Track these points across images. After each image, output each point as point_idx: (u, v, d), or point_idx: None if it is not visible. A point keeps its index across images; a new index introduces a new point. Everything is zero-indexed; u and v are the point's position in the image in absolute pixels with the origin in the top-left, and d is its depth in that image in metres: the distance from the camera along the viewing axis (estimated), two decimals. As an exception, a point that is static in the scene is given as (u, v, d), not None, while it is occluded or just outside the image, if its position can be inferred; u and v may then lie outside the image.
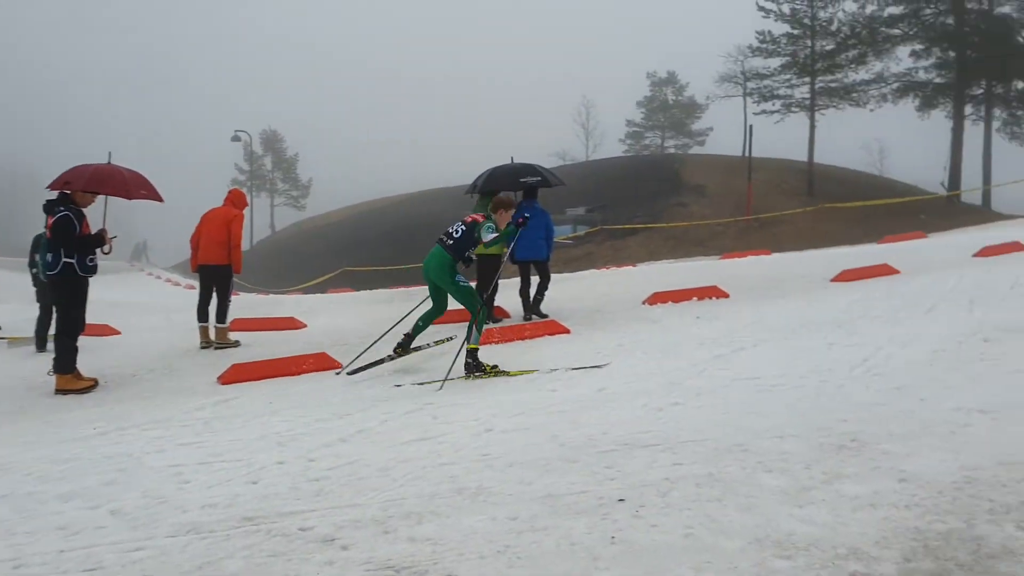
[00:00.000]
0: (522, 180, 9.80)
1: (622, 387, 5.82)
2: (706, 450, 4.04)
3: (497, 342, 8.48)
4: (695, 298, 10.26)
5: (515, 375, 6.87)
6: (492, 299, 9.75)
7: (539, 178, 9.85)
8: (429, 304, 7.84)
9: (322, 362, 8.14)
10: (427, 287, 7.80)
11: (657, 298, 10.35)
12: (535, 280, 10.06)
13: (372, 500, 3.73)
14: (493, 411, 5.45)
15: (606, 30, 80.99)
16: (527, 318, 9.79)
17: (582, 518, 3.27)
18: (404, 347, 7.88)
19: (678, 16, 76.69)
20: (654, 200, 30.20)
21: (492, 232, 7.22)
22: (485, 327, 7.85)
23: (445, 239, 7.38)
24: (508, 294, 10.62)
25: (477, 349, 7.15)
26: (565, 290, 12.47)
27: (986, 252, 11.93)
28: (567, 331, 8.83)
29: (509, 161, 10.19)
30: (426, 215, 32.56)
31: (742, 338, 7.33)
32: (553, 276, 10.44)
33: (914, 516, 3.04)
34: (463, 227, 7.40)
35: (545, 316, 9.80)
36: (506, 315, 10.34)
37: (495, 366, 7.10)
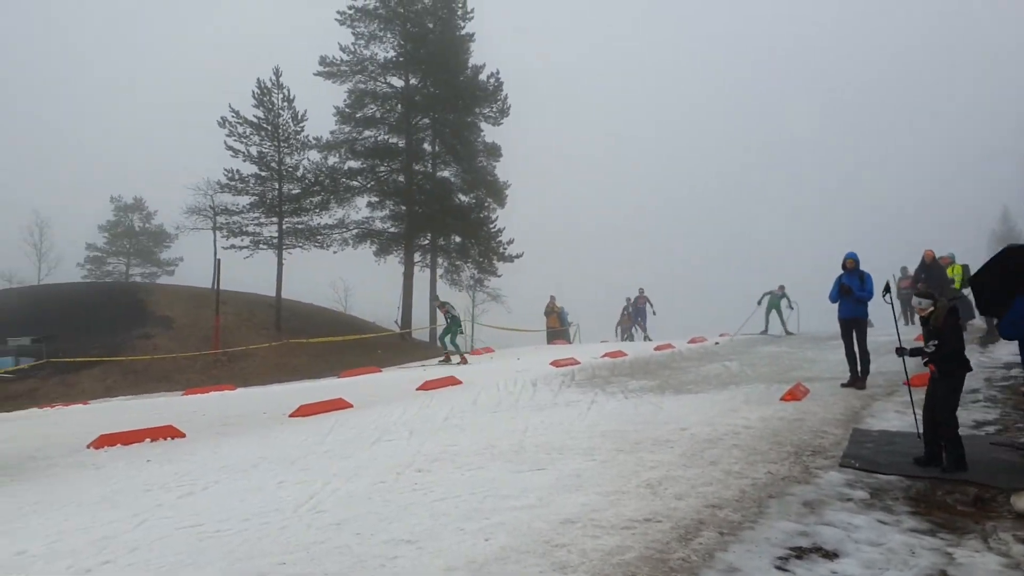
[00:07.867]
0: None
1: (42, 549, 5.04)
2: (131, 615, 3.67)
3: None
4: (148, 439, 9.58)
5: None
6: None
7: None
8: None
9: None
10: None
11: (104, 440, 9.40)
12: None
13: None
14: None
15: (65, 149, 74.73)
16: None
17: None
18: None
19: (145, 143, 74.62)
20: (115, 331, 27.85)
21: None
22: None
23: None
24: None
25: None
26: (-10, 434, 10.70)
27: (427, 386, 13.31)
28: (-22, 488, 7.43)
29: None
30: None
31: (192, 481, 6.97)
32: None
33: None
34: None
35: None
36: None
37: None
